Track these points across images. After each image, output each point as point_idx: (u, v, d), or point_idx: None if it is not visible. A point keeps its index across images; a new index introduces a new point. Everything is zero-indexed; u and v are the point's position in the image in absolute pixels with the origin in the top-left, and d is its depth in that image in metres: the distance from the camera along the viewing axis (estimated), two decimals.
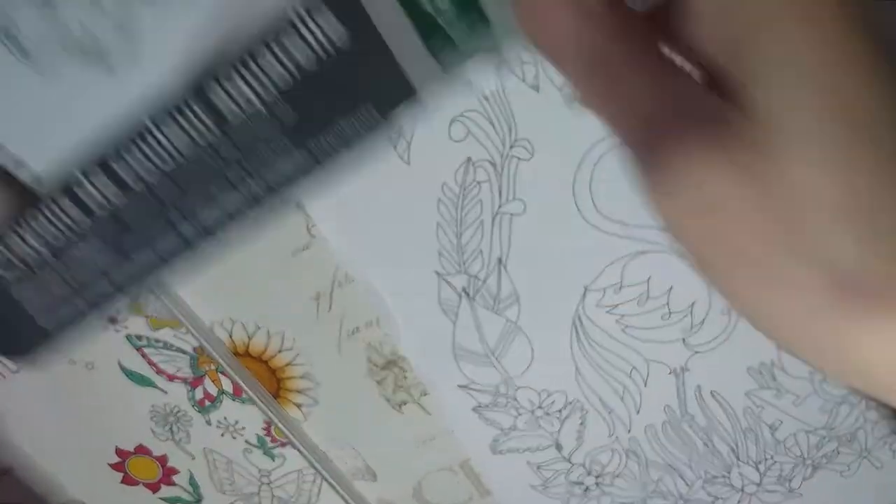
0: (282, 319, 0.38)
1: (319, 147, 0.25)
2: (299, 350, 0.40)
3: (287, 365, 0.40)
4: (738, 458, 0.41)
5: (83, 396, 0.39)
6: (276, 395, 0.41)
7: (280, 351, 0.40)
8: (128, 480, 0.42)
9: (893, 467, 0.41)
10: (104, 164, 0.24)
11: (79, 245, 0.25)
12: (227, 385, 0.39)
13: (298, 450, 0.41)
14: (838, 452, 0.41)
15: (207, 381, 0.39)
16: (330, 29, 0.23)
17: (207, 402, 0.39)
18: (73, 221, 0.25)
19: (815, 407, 0.39)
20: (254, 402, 0.39)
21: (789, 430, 0.40)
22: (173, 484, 0.42)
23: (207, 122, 0.24)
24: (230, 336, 0.39)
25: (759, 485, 0.42)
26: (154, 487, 0.43)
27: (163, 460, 0.41)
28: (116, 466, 0.42)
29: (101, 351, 0.38)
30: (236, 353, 0.40)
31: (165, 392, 0.39)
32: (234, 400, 0.39)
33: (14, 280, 0.25)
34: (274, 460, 0.41)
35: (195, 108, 0.24)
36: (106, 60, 0.24)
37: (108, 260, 0.26)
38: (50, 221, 0.25)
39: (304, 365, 0.40)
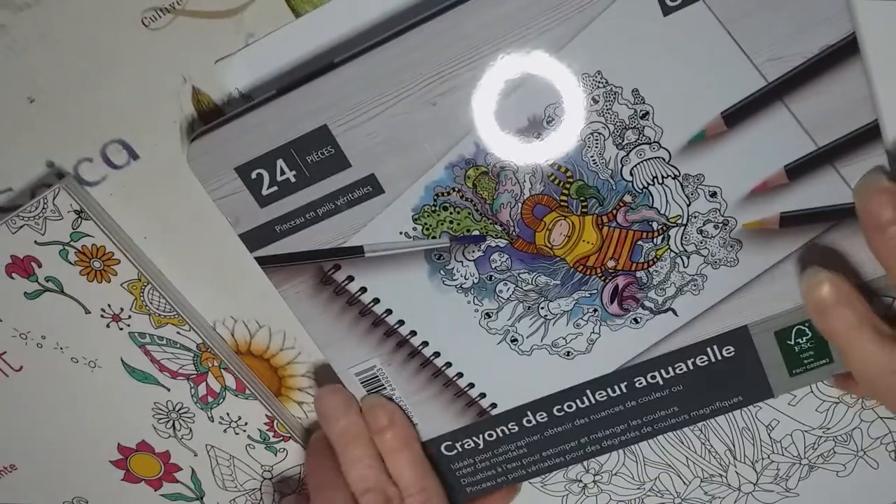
0: (283, 318, 0.38)
1: (696, 414, 0.38)
2: (301, 348, 0.40)
3: (289, 363, 0.40)
4: (734, 458, 0.41)
5: (85, 394, 0.39)
6: (277, 394, 0.41)
7: (282, 349, 0.40)
8: (129, 478, 0.42)
9: (889, 467, 0.41)
10: (547, 405, 0.38)
11: (511, 446, 0.39)
12: (229, 381, 0.39)
13: (301, 444, 0.41)
14: (834, 452, 0.41)
15: (210, 378, 0.39)
16: (722, 348, 0.36)
17: (210, 399, 0.39)
18: (511, 434, 0.38)
19: (811, 407, 0.40)
20: (257, 398, 0.39)
21: (786, 429, 0.40)
22: (175, 481, 0.42)
23: (625, 395, 0.37)
24: (232, 335, 0.40)
25: (755, 484, 0.42)
26: (156, 484, 0.43)
27: (165, 457, 0.42)
28: (118, 463, 0.42)
29: (104, 349, 0.38)
30: (238, 352, 0.40)
31: (168, 389, 0.39)
32: (237, 396, 0.39)
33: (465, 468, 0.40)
34: (276, 455, 0.41)
35: (620, 385, 0.37)
36: (569, 354, 0.36)
37: (526, 458, 0.39)
38: (499, 436, 0.39)
39: (306, 363, 0.40)
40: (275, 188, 0.33)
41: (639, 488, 0.42)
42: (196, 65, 0.33)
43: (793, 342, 0.35)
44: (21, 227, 0.35)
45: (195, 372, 0.39)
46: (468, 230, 0.34)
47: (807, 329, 0.35)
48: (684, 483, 0.42)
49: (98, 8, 0.33)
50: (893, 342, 0.30)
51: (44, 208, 0.34)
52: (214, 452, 0.41)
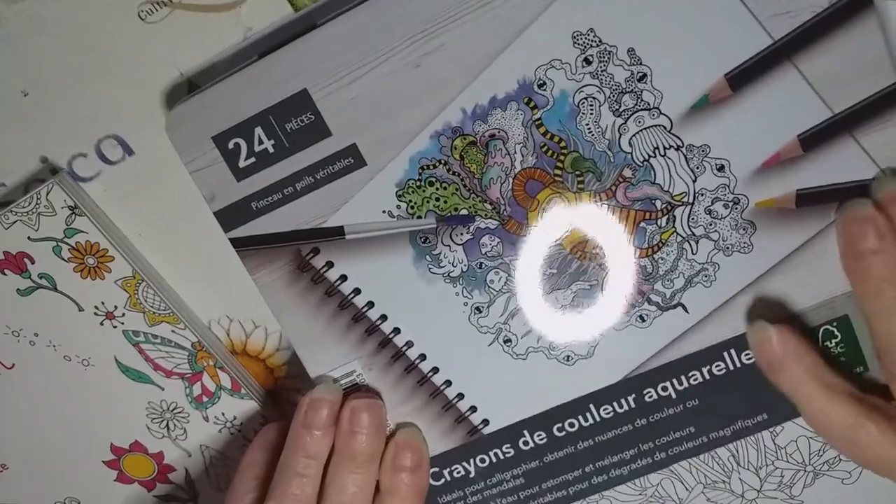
0: None
1: (716, 437, 0.35)
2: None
3: (284, 364, 0.40)
4: (738, 464, 0.41)
5: (79, 393, 0.39)
6: (273, 394, 0.41)
7: (278, 350, 0.40)
8: (122, 478, 0.42)
9: None
10: (546, 422, 0.34)
11: (506, 475, 0.36)
12: (225, 380, 0.39)
13: None
14: (840, 459, 0.41)
15: (206, 377, 0.38)
16: (741, 353, 0.33)
17: (205, 398, 0.39)
18: (507, 458, 0.35)
19: None
20: (252, 397, 0.39)
21: (790, 435, 0.40)
22: (169, 482, 0.42)
23: (634, 411, 0.34)
24: (227, 334, 0.39)
25: (759, 491, 0.42)
26: (149, 485, 0.42)
27: (158, 457, 0.41)
28: (111, 464, 0.42)
29: (97, 347, 0.38)
30: (234, 352, 0.40)
31: (162, 388, 0.39)
32: (232, 395, 0.39)
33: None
34: None
35: (628, 399, 0.34)
36: (568, 358, 0.34)
37: (524, 490, 0.36)
38: (493, 461, 0.35)
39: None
40: (252, 160, 0.32)
41: (640, 494, 0.42)
42: (193, 59, 0.33)
43: (820, 346, 0.32)
44: (14, 222, 0.35)
45: (190, 371, 0.38)
46: (456, 208, 0.32)
47: (835, 330, 0.32)
48: (687, 489, 0.42)
49: (95, 1, 0.32)
50: (842, 396, 0.30)
51: (37, 204, 0.34)
52: (209, 453, 0.41)
